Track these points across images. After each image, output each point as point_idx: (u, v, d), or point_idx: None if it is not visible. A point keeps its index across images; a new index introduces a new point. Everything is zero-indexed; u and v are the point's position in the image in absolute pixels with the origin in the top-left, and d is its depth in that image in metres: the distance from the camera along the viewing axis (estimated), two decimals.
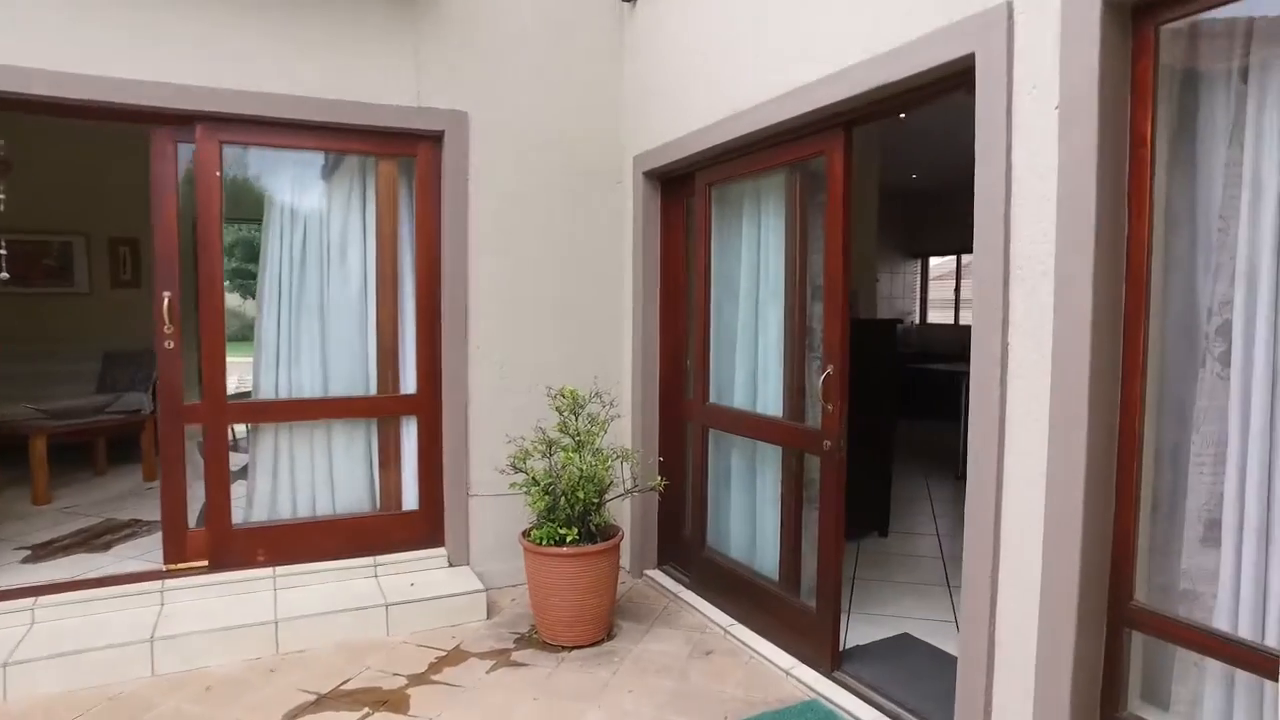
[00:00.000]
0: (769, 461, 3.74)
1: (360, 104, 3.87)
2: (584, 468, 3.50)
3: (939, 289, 11.03)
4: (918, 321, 11.10)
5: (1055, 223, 2.14)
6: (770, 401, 3.68)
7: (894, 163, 8.56)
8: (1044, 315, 2.18)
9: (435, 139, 4.13)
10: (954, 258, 10.63)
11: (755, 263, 3.80)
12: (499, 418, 4.24)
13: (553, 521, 3.61)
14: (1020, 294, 2.25)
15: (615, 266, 4.59)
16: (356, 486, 4.22)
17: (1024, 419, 2.25)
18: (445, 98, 4.09)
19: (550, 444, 3.72)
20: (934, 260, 11.00)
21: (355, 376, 4.18)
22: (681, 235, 4.39)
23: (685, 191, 4.26)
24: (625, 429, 4.58)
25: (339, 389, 4.13)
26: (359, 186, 4.15)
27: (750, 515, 3.92)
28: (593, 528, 3.64)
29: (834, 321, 3.16)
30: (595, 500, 3.59)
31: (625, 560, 4.60)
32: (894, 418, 5.19)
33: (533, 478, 3.58)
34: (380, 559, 4.08)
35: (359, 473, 4.22)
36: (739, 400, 3.89)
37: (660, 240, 4.45)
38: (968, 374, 6.32)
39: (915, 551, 4.92)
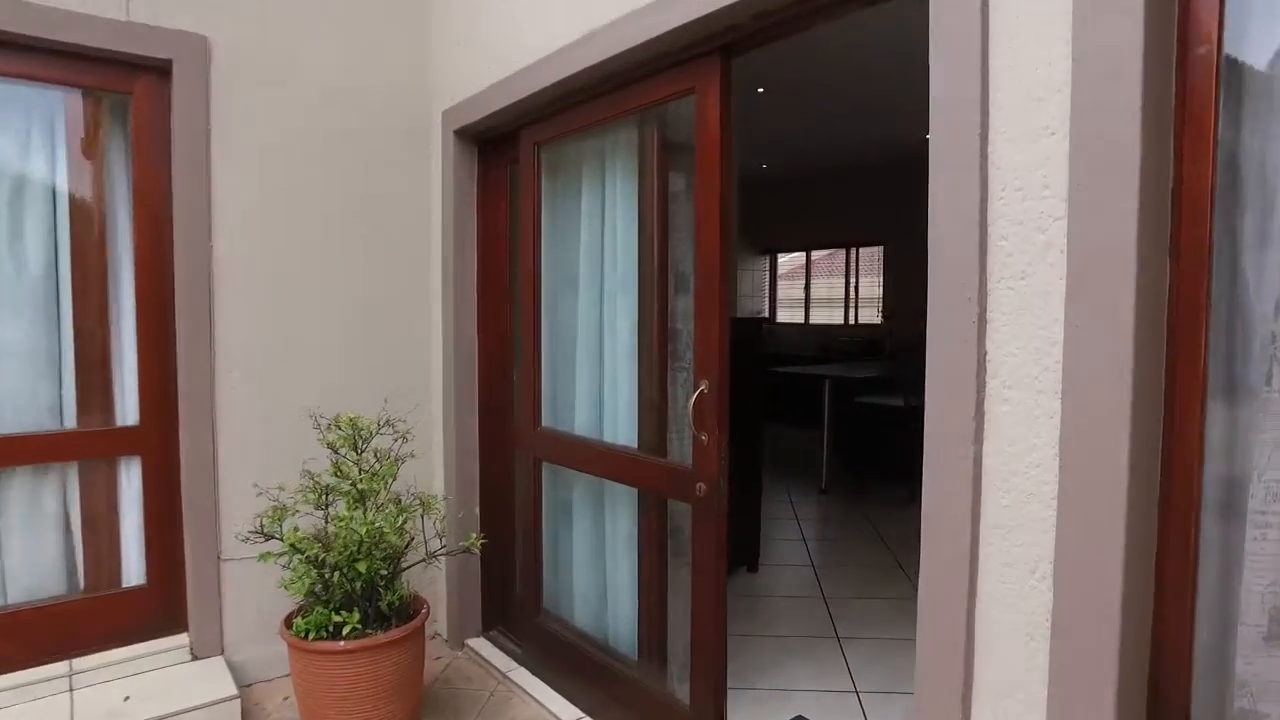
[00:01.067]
0: (623, 504, 2.87)
1: (28, 5, 2.67)
2: (366, 528, 2.48)
3: (787, 288, 10.62)
4: (769, 322, 10.65)
5: (1066, 165, 1.38)
6: (622, 426, 2.80)
7: (742, 150, 7.99)
8: (1047, 309, 1.42)
9: (159, 72, 2.98)
10: (803, 254, 10.24)
11: (599, 245, 2.92)
12: (261, 453, 3.15)
13: (327, 604, 2.58)
14: (1007, 276, 1.48)
15: (421, 253, 3.58)
16: (44, 561, 2.98)
17: (1013, 470, 1.48)
18: (173, 14, 2.95)
19: (325, 493, 2.69)
20: (781, 257, 10.58)
21: (40, 403, 2.95)
22: (506, 211, 3.44)
23: (509, 156, 3.32)
24: (435, 464, 3.58)
25: (10, 422, 2.89)
26: (43, 134, 2.92)
27: (599, 573, 3.04)
28: (384, 607, 2.64)
29: (708, 321, 2.33)
30: (385, 571, 2.59)
31: (441, 626, 3.63)
32: (761, 431, 4.48)
33: (291, 544, 2.53)
34: (81, 662, 2.89)
35: (49, 541, 2.99)
36: (581, 424, 2.99)
37: (479, 218, 3.48)
38: (829, 378, 5.71)
39: (791, 590, 4.20)
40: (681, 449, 2.55)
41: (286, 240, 3.21)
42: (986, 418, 1.51)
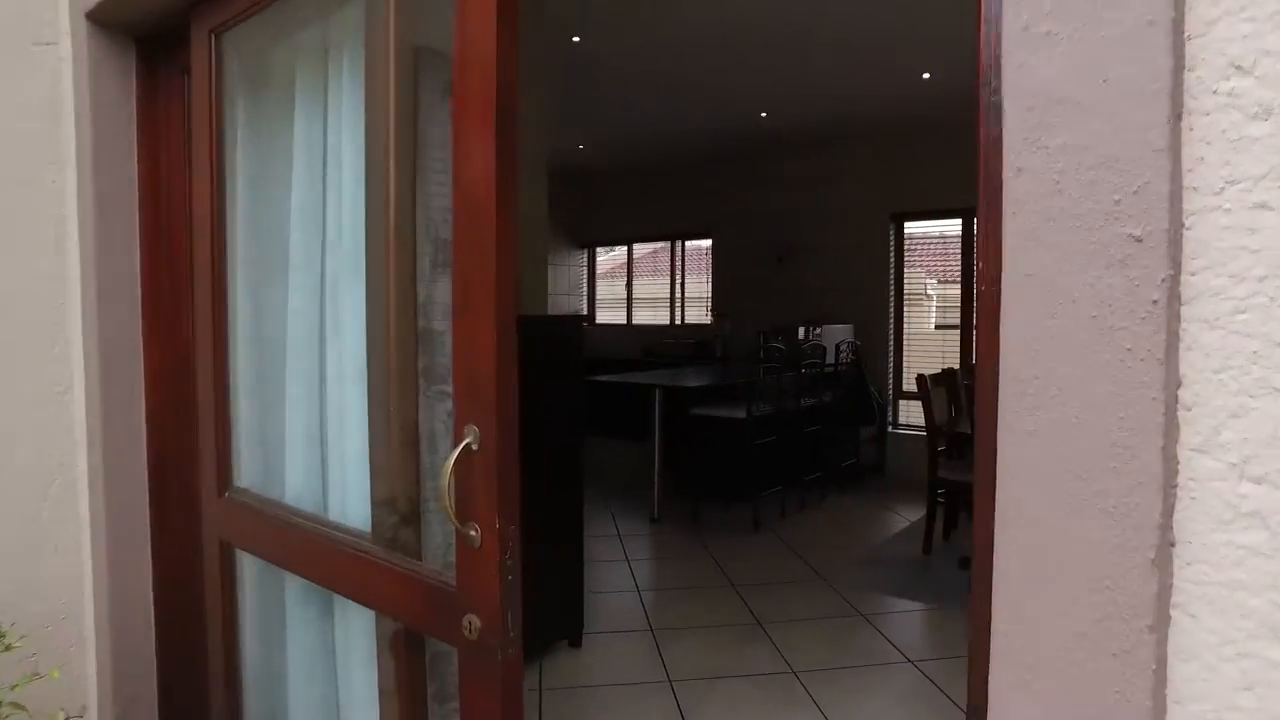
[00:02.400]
0: (360, 614, 1.75)
1: None
2: None
3: (608, 286, 9.72)
4: (587, 322, 9.71)
5: None
6: (352, 496, 1.69)
7: (555, 123, 6.98)
8: None
9: None
10: (624, 249, 9.38)
11: (316, 195, 1.80)
12: None
13: None
14: (1241, 204, 0.53)
15: (46, 220, 2.27)
16: None
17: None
18: None
19: None
20: (602, 253, 9.67)
21: None
22: (182, 148, 2.22)
23: (182, 60, 2.10)
24: (82, 555, 2.29)
25: None
26: None
27: (331, 715, 1.90)
28: None
29: (477, 320, 1.27)
30: None
31: None
32: (581, 456, 3.47)
33: None
34: None
35: None
36: (295, 488, 1.85)
37: (141, 162, 2.24)
38: (660, 388, 4.86)
39: (627, 671, 3.22)
40: (447, 538, 1.48)
41: None
42: (1183, 562, 0.56)
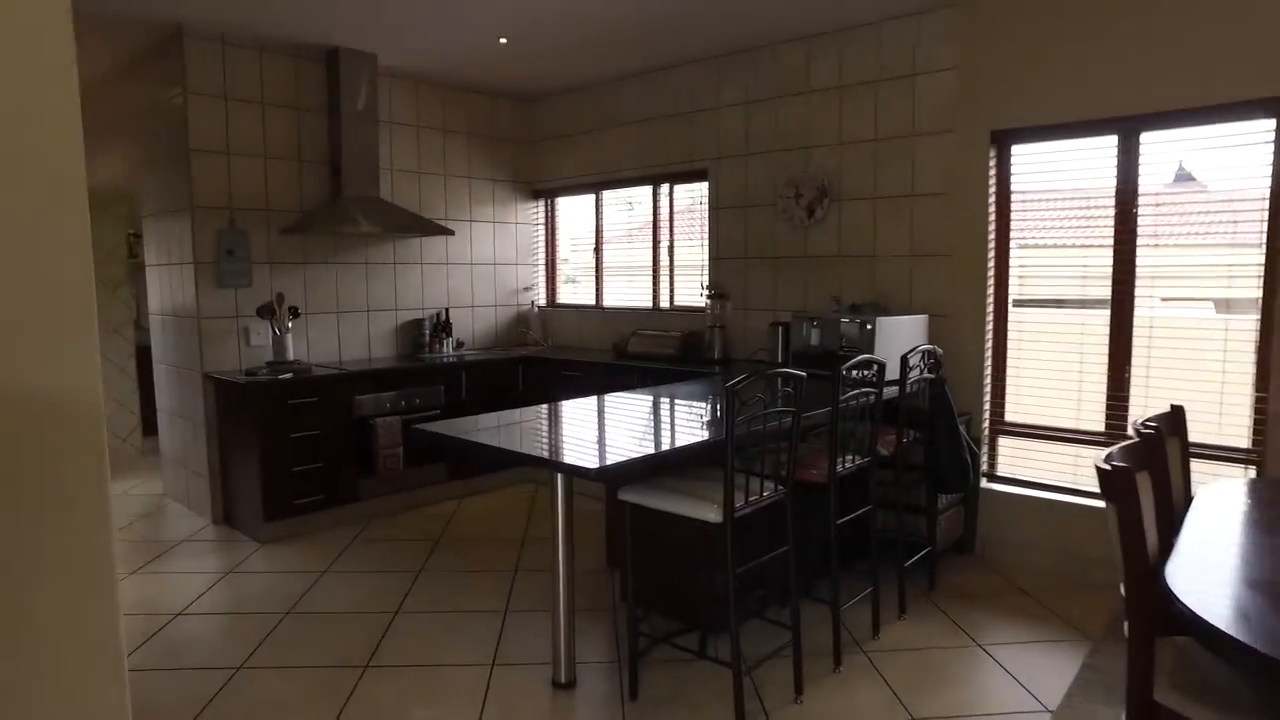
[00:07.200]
0: None
1: None
2: None
3: (578, 248, 7.11)
4: (546, 305, 7.09)
5: None
6: None
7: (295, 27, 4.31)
8: None
9: None
10: (592, 197, 6.72)
11: None
12: None
13: None
14: None
15: None
16: None
17: None
18: None
19: None
20: (567, 203, 7.02)
21: None
22: None
23: None
24: None
25: None
26: None
27: None
28: None
29: None
30: None
31: None
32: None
33: None
34: None
35: None
36: None
37: None
38: (560, 468, 2.18)
39: None
40: None
41: None
42: None
